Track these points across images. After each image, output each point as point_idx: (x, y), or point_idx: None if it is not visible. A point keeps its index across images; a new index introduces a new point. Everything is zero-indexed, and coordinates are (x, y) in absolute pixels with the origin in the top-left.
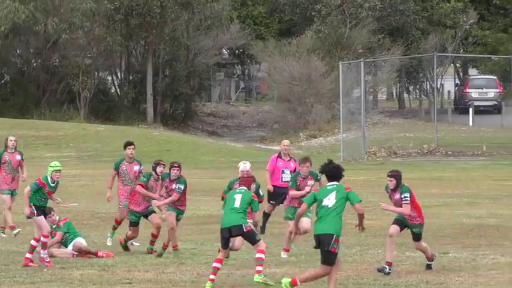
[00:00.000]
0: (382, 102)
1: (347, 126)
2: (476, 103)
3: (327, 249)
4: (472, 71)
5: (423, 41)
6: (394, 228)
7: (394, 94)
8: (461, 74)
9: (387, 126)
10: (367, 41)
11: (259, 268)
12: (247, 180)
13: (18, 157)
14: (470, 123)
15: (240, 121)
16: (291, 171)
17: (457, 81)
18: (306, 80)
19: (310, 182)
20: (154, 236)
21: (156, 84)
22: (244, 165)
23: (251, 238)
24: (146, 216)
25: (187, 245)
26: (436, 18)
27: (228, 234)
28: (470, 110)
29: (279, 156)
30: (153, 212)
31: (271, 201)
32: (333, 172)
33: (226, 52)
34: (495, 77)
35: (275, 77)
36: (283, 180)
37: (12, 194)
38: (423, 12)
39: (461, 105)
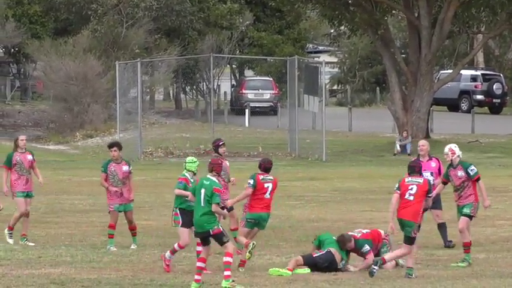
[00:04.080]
0: (159, 102)
1: (124, 126)
2: (252, 104)
3: None
4: (248, 72)
5: (200, 42)
6: None
7: (171, 95)
8: (237, 75)
9: (164, 127)
10: (144, 41)
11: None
12: None
13: (30, 157)
14: (247, 124)
15: (16, 120)
16: (432, 173)
17: (234, 82)
18: (82, 79)
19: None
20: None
21: None
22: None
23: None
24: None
25: None
26: (213, 19)
27: None
28: (247, 111)
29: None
30: None
31: None
32: None
33: (1, 51)
34: (271, 79)
35: (51, 76)
36: None
37: (28, 196)
38: (200, 13)
39: (237, 106)
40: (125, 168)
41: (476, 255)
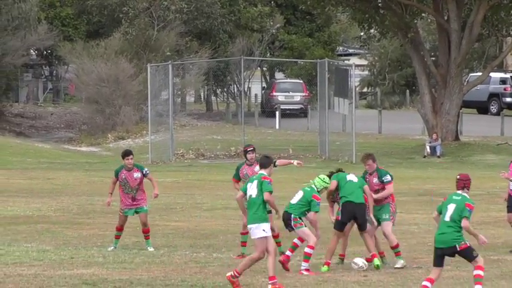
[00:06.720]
0: (190, 104)
1: (155, 128)
2: (282, 106)
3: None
4: (279, 75)
5: (230, 45)
6: None
7: (202, 97)
8: (268, 77)
9: (195, 129)
10: (175, 44)
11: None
12: None
13: (136, 175)
14: (277, 126)
15: (48, 122)
16: None
17: (264, 84)
18: (114, 81)
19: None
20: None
21: None
22: None
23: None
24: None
25: None
26: (243, 22)
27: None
28: (277, 113)
29: None
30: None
31: None
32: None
33: (34, 53)
34: (301, 81)
35: (83, 78)
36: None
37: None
38: (230, 15)
39: (268, 109)
40: (136, 175)
41: (505, 257)
